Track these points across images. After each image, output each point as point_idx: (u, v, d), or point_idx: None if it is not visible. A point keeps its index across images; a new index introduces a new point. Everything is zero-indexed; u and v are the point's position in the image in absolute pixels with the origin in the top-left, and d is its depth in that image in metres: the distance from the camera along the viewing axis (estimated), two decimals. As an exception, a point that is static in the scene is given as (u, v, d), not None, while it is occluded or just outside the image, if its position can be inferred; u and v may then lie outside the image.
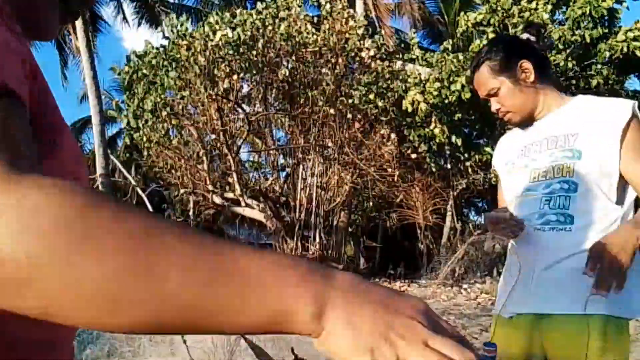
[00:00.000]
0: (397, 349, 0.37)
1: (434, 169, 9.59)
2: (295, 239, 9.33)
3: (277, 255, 0.39)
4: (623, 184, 1.36)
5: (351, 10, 9.29)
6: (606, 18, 7.61)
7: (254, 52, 8.28)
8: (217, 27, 8.23)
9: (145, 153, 9.54)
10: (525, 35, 1.56)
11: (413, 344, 0.37)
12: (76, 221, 0.33)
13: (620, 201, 1.37)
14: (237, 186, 8.88)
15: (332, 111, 8.76)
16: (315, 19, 9.12)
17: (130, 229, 0.34)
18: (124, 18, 16.53)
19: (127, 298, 0.33)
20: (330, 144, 9.33)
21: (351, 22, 8.77)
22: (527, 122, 1.52)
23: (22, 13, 0.52)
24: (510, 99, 1.48)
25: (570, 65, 7.80)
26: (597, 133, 1.36)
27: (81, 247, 0.33)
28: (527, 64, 1.46)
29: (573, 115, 1.44)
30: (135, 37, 42.47)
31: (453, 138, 8.52)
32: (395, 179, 9.48)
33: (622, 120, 1.33)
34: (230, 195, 9.23)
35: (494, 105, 1.52)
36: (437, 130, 8.39)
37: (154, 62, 8.57)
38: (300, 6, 8.83)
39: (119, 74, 9.40)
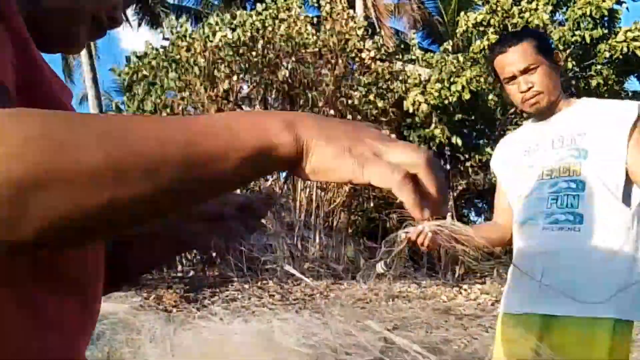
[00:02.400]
0: (372, 147, 0.40)
1: (434, 170, 9.57)
2: (295, 240, 9.32)
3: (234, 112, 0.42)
4: (630, 184, 1.36)
5: (351, 11, 9.29)
6: (606, 19, 7.62)
7: (254, 53, 8.28)
8: (216, 28, 8.23)
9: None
10: None
11: (385, 141, 0.41)
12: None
13: (627, 201, 1.37)
14: (237, 187, 8.89)
15: (332, 112, 8.75)
16: (315, 19, 9.12)
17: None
18: (125, 19, 16.55)
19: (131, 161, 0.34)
20: (330, 145, 9.33)
21: (351, 23, 8.77)
22: (547, 111, 1.50)
23: (43, 24, 0.53)
24: (546, 79, 1.46)
25: (570, 65, 7.80)
26: (604, 133, 1.37)
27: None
28: (560, 55, 1.48)
29: (579, 116, 1.45)
30: (135, 38, 42.52)
31: (453, 139, 8.52)
32: (396, 179, 9.47)
33: (629, 120, 1.34)
34: (230, 196, 9.23)
35: (523, 85, 1.46)
36: (437, 131, 8.39)
37: (153, 63, 8.57)
38: (300, 7, 8.83)
39: (119, 75, 9.40)
